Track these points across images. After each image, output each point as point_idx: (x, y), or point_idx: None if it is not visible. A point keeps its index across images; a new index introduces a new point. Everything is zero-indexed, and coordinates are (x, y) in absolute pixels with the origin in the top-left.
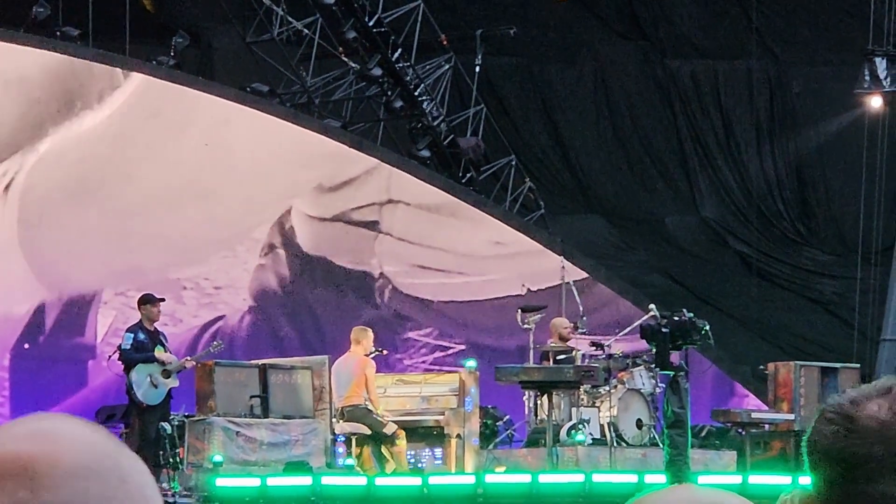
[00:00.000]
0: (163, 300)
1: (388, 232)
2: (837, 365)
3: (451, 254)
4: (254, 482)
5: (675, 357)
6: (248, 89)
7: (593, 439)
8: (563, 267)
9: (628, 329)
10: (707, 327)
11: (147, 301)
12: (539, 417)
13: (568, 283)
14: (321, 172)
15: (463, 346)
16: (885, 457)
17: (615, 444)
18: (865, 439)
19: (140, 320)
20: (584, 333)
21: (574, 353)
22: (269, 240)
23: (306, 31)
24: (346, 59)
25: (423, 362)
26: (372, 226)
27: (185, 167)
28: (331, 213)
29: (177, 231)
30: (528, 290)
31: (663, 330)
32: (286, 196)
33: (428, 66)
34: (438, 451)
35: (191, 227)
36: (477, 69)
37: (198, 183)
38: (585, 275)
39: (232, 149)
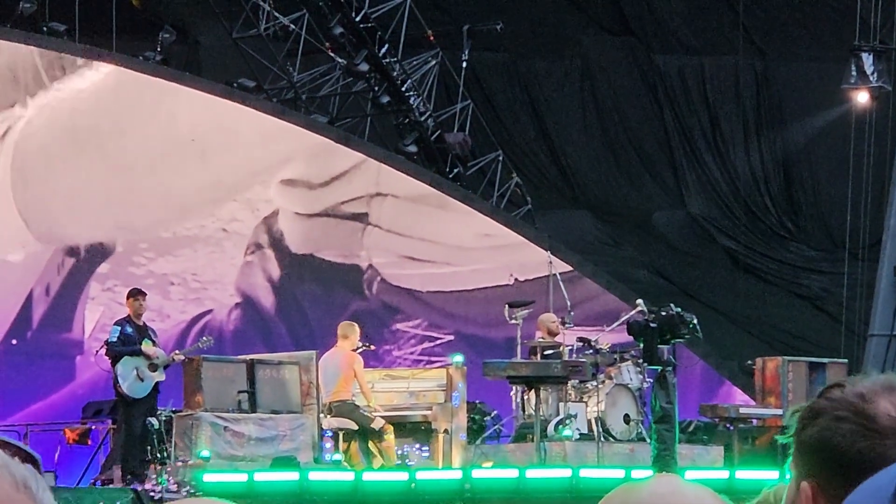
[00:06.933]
0: (144, 294)
1: (376, 224)
2: (825, 360)
3: (440, 245)
4: (241, 477)
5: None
6: (235, 85)
7: (581, 434)
8: (551, 262)
9: (616, 324)
10: (695, 321)
11: (129, 295)
12: (527, 412)
13: (555, 274)
14: (309, 167)
15: (451, 337)
16: None
17: (602, 439)
18: (886, 439)
19: (128, 315)
20: (571, 328)
21: (562, 348)
22: (255, 239)
23: (293, 26)
24: (332, 55)
25: (412, 353)
26: (361, 218)
27: (180, 128)
28: (319, 208)
29: (173, 188)
30: (517, 280)
31: (651, 325)
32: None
33: (415, 62)
34: (426, 447)
35: (185, 185)
36: (464, 65)
37: (192, 145)
38: (571, 269)
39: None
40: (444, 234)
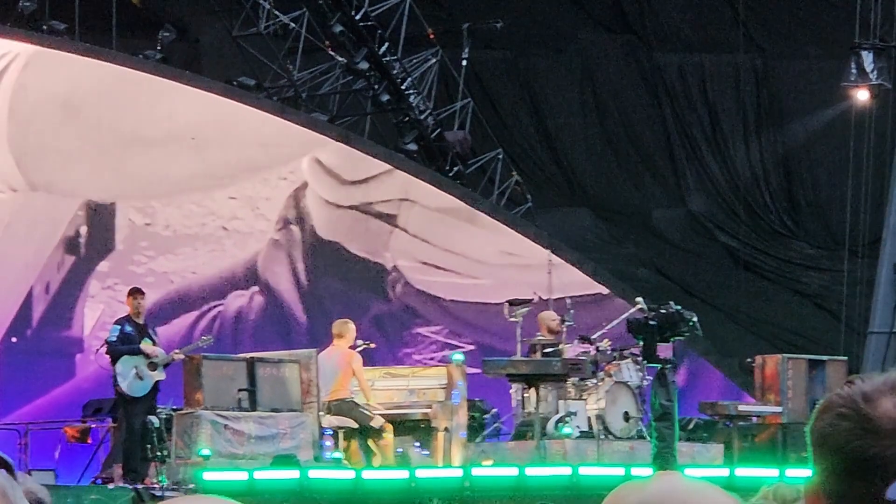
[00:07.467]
0: (143, 293)
1: (404, 228)
2: (825, 357)
3: (465, 258)
4: (241, 476)
5: (666, 350)
6: (235, 83)
7: (581, 432)
8: (550, 260)
9: (615, 322)
10: (695, 319)
11: (129, 294)
12: (526, 410)
13: (564, 298)
14: (342, 161)
15: (472, 346)
16: None
17: (602, 436)
18: (883, 440)
19: (128, 313)
20: (570, 326)
21: (561, 346)
22: (284, 214)
23: (293, 24)
24: (332, 53)
25: (432, 359)
26: (390, 219)
27: (185, 114)
28: (348, 203)
29: (165, 169)
30: (539, 297)
31: (651, 323)
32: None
33: (415, 60)
34: (426, 445)
35: (179, 169)
36: (464, 63)
37: (194, 132)
38: (607, 291)
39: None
40: (470, 248)
